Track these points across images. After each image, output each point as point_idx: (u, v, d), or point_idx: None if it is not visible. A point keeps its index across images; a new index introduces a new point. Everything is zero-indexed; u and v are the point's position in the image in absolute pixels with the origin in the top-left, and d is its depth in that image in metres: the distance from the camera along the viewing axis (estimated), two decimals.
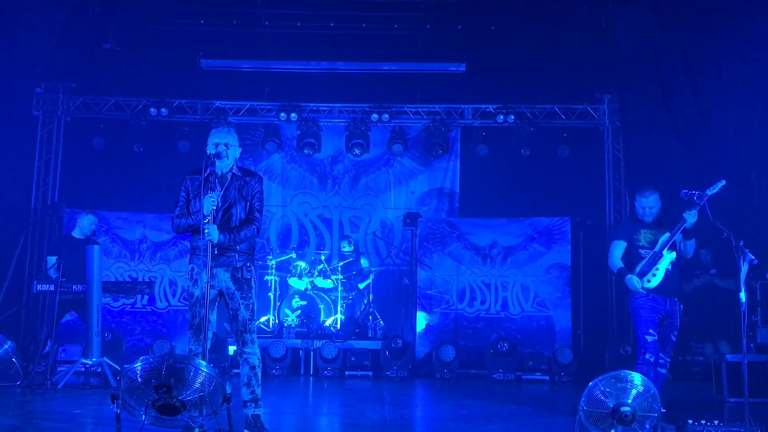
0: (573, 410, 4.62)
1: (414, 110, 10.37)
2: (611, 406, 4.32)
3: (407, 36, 9.93)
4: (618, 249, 5.58)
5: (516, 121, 10.10)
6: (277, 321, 9.37)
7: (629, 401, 4.32)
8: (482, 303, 9.46)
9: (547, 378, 8.51)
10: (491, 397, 7.15)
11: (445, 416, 5.83)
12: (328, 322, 9.37)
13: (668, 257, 5.35)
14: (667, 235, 5.36)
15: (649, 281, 5.34)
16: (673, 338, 5.46)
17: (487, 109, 10.28)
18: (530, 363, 8.64)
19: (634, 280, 5.36)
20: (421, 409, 6.75)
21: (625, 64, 9.54)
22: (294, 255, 9.79)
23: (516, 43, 9.86)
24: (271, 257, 9.65)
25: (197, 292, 4.72)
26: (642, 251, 5.45)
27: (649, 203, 5.50)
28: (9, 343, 7.51)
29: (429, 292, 9.50)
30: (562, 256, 9.48)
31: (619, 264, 5.52)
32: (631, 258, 5.51)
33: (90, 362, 7.14)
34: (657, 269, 5.34)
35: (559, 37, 9.89)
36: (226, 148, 4.79)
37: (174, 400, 3.88)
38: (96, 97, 10.16)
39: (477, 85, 10.21)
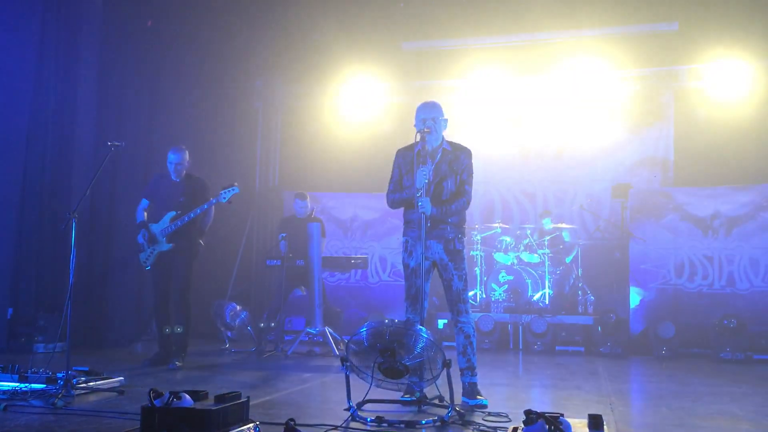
0: None
1: (621, 76, 9.85)
2: None
3: None
4: None
5: None
6: (484, 295, 9.45)
7: None
8: (704, 278, 8.81)
9: None
10: (719, 375, 6.65)
11: (668, 393, 5.53)
12: (536, 296, 9.26)
13: None
14: None
15: None
16: None
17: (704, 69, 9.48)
18: (763, 342, 7.91)
19: None
20: (640, 385, 6.46)
21: None
22: (499, 230, 9.79)
23: None
24: (476, 232, 9.73)
25: (412, 263, 4.88)
26: None
27: None
28: (245, 313, 8.33)
29: (643, 266, 9.04)
30: None
31: None
32: None
33: (314, 331, 7.71)
34: None
35: None
36: (433, 123, 4.87)
37: (398, 363, 4.07)
38: (307, 86, 10.84)
39: (690, 44, 9.47)
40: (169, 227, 6.44)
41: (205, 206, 6.41)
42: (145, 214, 6.65)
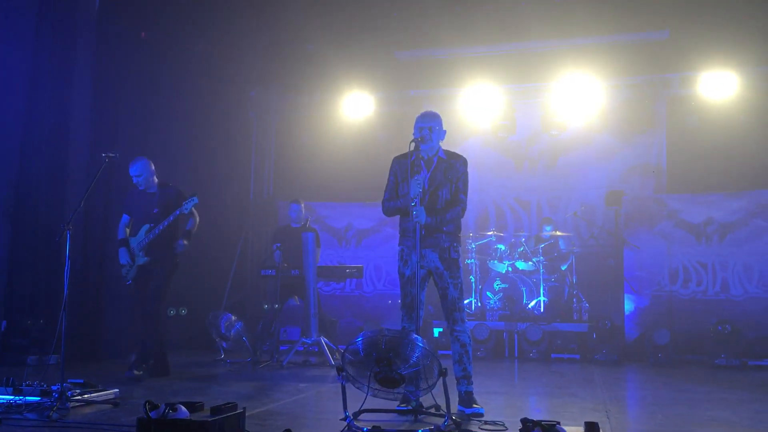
0: None
1: (613, 84, 9.90)
2: None
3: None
4: None
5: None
6: (479, 304, 9.46)
7: None
8: (698, 284, 8.85)
9: None
10: (714, 382, 6.67)
11: (664, 400, 5.54)
12: (531, 304, 9.27)
13: None
14: None
15: None
16: None
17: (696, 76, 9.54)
18: (757, 348, 7.94)
19: None
20: (636, 392, 6.48)
21: None
22: (493, 238, 9.80)
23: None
24: (470, 241, 9.74)
25: (408, 272, 4.89)
26: None
27: None
28: (240, 323, 8.30)
29: (637, 273, 9.07)
30: None
31: None
32: None
33: (309, 341, 7.69)
34: None
35: None
36: (430, 132, 4.90)
37: (394, 372, 4.07)
38: (301, 96, 10.86)
39: (681, 51, 9.53)
40: (144, 240, 6.50)
41: (171, 218, 6.42)
42: (127, 230, 6.68)
